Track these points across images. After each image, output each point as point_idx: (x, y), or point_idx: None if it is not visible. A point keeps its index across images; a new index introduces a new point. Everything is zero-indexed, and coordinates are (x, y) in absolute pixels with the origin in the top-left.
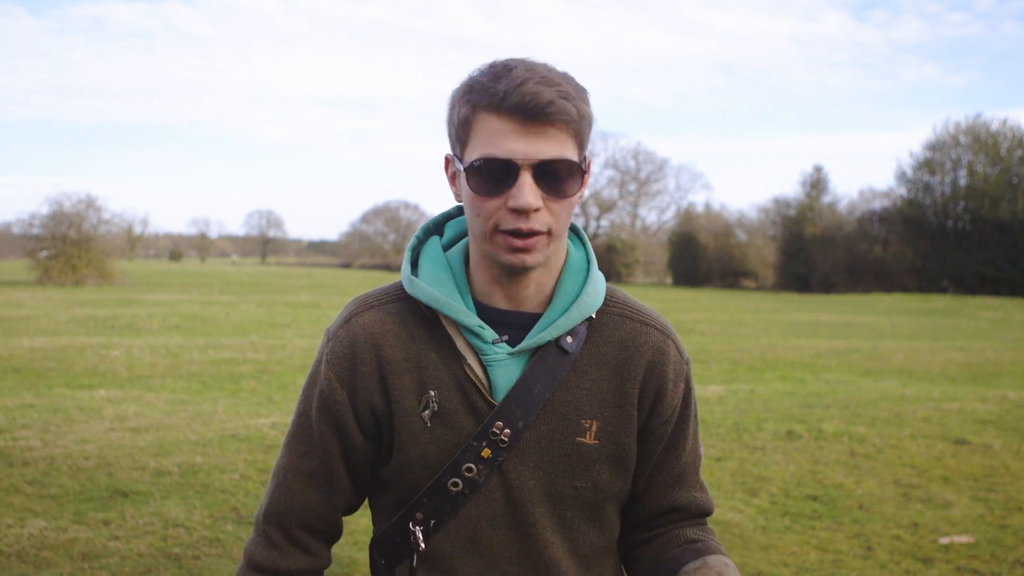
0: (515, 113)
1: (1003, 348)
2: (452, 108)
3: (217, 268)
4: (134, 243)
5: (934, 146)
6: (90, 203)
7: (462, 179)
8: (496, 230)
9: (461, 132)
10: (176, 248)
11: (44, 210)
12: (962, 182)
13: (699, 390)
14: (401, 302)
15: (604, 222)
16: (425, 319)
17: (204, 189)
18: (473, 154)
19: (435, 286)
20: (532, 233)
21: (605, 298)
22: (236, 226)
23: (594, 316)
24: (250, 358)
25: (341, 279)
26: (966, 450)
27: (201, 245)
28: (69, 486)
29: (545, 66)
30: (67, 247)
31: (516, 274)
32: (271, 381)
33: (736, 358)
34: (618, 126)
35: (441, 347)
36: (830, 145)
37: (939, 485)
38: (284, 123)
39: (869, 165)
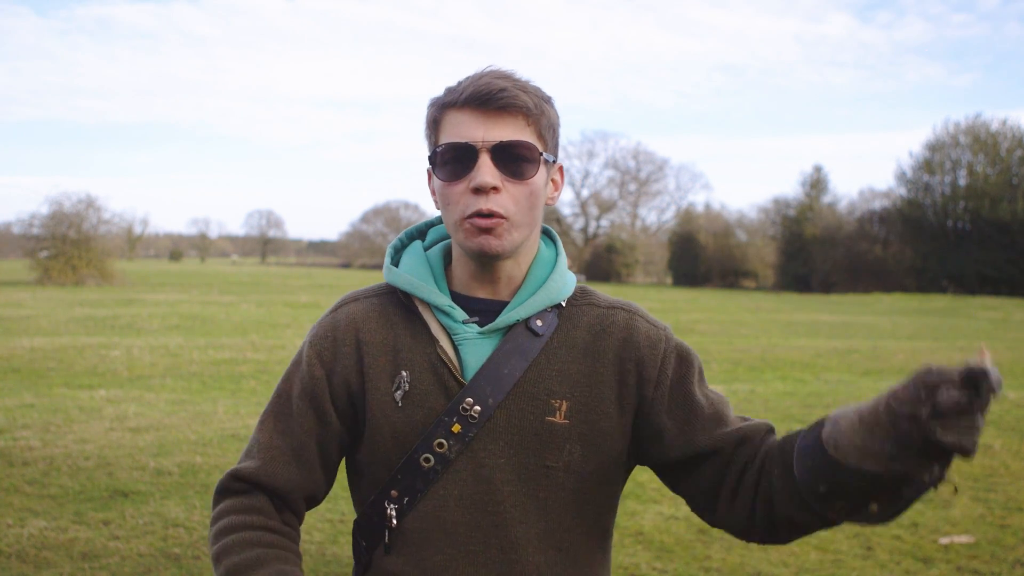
0: (472, 103)
1: (1003, 348)
2: (426, 117)
3: (217, 268)
4: (134, 243)
5: (934, 146)
6: (90, 203)
7: (434, 176)
8: (463, 217)
9: (431, 133)
10: (176, 248)
11: (44, 210)
12: (962, 182)
13: None
14: (384, 295)
15: (604, 222)
16: (404, 307)
17: (204, 189)
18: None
19: (411, 274)
20: (492, 215)
21: (575, 293)
22: (236, 226)
23: (564, 305)
24: (250, 358)
25: (341, 279)
26: None
27: (201, 245)
28: (69, 486)
29: (513, 72)
30: (67, 247)
31: (487, 264)
32: (271, 381)
33: (736, 358)
34: (620, 126)
35: (416, 331)
36: (831, 145)
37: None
38: (286, 123)
39: (870, 165)
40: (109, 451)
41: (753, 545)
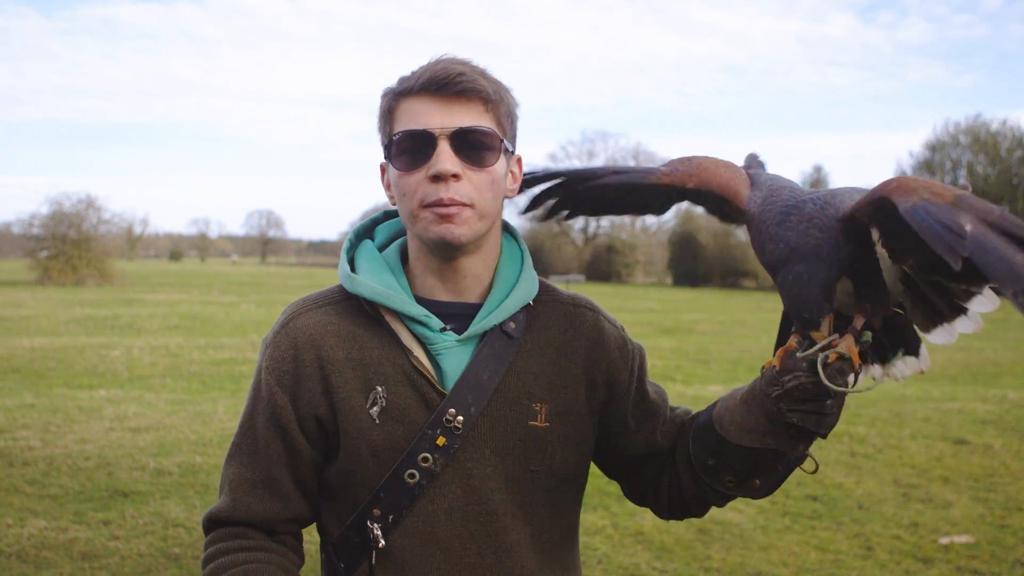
0: (429, 89)
1: (1003, 348)
2: (380, 107)
3: (217, 268)
4: (134, 243)
5: (934, 146)
6: (90, 203)
7: (390, 168)
8: (421, 206)
9: (385, 124)
10: (176, 248)
11: (44, 210)
12: (962, 182)
13: (699, 390)
14: (339, 303)
15: (604, 222)
16: (367, 316)
17: (204, 189)
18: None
19: (375, 281)
20: (454, 204)
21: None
22: (236, 226)
23: (532, 304)
24: (250, 358)
25: None
26: (966, 450)
27: (201, 245)
28: (69, 486)
29: (470, 60)
30: (67, 247)
31: (450, 258)
32: None
33: (736, 358)
34: (622, 126)
35: (385, 342)
36: (831, 145)
37: (939, 485)
38: (287, 123)
39: (871, 165)
40: (109, 451)
41: (753, 545)
